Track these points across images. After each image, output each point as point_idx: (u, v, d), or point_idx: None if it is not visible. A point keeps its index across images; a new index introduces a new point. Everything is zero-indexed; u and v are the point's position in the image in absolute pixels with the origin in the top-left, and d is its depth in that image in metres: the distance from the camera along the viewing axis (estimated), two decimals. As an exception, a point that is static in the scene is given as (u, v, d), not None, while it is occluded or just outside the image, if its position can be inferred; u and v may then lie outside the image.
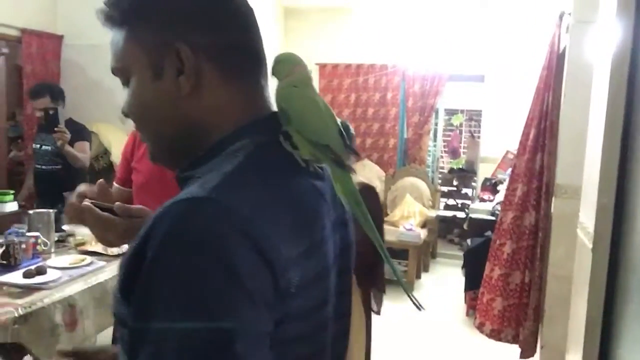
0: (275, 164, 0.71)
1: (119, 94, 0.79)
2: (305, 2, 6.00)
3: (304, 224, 0.69)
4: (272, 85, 0.80)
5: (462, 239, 6.22)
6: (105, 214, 1.02)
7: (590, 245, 1.87)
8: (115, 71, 0.77)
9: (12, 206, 3.67)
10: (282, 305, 0.62)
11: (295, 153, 0.73)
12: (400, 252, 5.17)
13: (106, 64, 0.79)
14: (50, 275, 2.21)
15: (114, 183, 2.04)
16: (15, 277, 2.18)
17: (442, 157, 7.75)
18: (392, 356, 3.60)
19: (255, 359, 0.58)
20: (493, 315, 3.27)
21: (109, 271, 2.42)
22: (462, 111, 8.10)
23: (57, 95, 3.55)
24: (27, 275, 2.16)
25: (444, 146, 7.89)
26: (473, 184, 6.83)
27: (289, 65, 0.77)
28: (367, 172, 5.71)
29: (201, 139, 0.73)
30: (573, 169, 2.72)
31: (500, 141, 5.72)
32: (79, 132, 3.58)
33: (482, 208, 5.30)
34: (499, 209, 3.52)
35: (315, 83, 5.87)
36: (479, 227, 4.97)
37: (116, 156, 4.34)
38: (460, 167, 7.46)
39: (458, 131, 8.29)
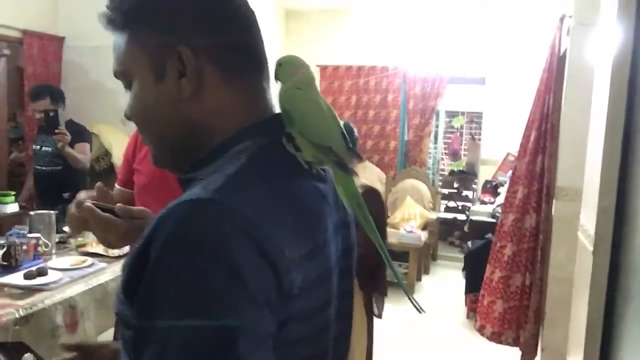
0: (278, 165, 0.72)
1: (120, 95, 0.80)
2: (306, 3, 6.01)
3: (307, 225, 0.69)
4: (273, 87, 0.80)
5: (463, 241, 6.22)
6: (107, 214, 1.02)
7: (591, 248, 1.87)
8: (117, 74, 0.77)
9: (13, 207, 3.67)
10: (285, 307, 0.62)
11: (298, 155, 0.73)
12: (400, 254, 5.17)
13: (107, 66, 0.79)
14: (51, 276, 2.21)
15: (116, 184, 2.04)
16: (16, 278, 2.18)
17: (442, 159, 7.75)
18: (393, 358, 3.59)
19: (258, 358, 0.58)
20: (494, 318, 3.26)
21: (110, 272, 2.42)
22: (462, 113, 8.10)
23: (57, 96, 3.56)
24: (28, 276, 2.17)
25: (445, 148, 7.89)
26: (474, 186, 6.83)
27: (291, 67, 0.77)
28: (368, 174, 5.70)
29: (203, 141, 0.74)
30: (574, 171, 2.72)
31: (500, 143, 5.72)
32: (79, 134, 3.58)
33: (482, 210, 5.31)
34: (500, 211, 3.52)
35: (316, 85, 5.86)
36: (480, 229, 4.98)
37: (117, 158, 4.35)
38: (461, 169, 7.46)
39: (459, 133, 8.30)
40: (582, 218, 2.22)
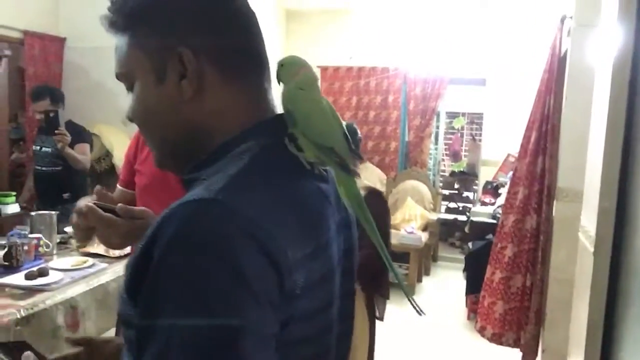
0: (280, 166, 0.72)
1: (121, 96, 0.80)
2: (306, 4, 6.02)
3: (310, 226, 0.70)
4: (274, 88, 0.80)
5: (464, 242, 6.22)
6: (108, 214, 1.02)
7: (592, 249, 1.87)
8: (119, 76, 0.77)
9: (14, 208, 3.68)
10: (288, 307, 0.62)
11: (300, 155, 0.74)
12: (401, 255, 5.16)
13: (108, 67, 0.80)
14: (52, 276, 2.22)
15: (117, 185, 2.05)
16: (18, 278, 2.18)
17: (443, 160, 7.75)
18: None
19: (261, 357, 0.59)
20: (494, 319, 3.26)
21: (111, 273, 2.43)
22: (463, 114, 8.11)
23: (57, 97, 3.57)
24: (29, 276, 2.17)
25: (445, 149, 7.90)
26: (474, 187, 6.83)
27: (294, 68, 0.77)
28: (369, 175, 5.71)
29: (205, 143, 0.74)
30: (574, 172, 2.72)
31: (501, 144, 5.73)
32: (79, 134, 3.59)
33: (483, 211, 5.31)
34: (500, 212, 3.52)
35: (319, 85, 5.87)
36: (480, 230, 4.98)
37: (118, 158, 4.35)
38: (462, 170, 7.46)
39: (459, 134, 8.30)
40: (583, 219, 2.22)
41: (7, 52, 4.38)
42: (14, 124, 5.44)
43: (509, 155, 5.63)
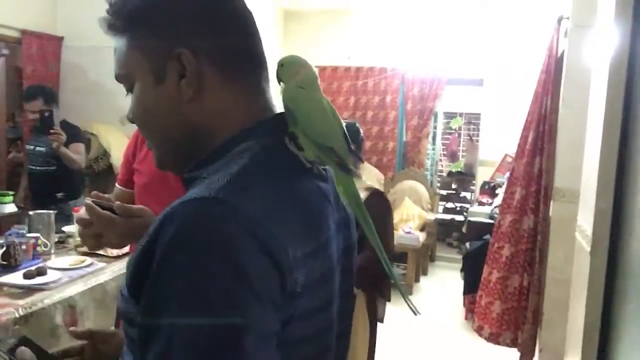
0: (280, 165, 0.72)
1: (119, 95, 0.80)
2: (304, 4, 6.02)
3: (310, 224, 0.70)
4: (273, 88, 0.81)
5: (461, 242, 6.23)
6: (106, 212, 1.03)
7: (589, 249, 1.88)
8: (118, 78, 0.78)
9: (11, 207, 3.67)
10: (289, 306, 0.63)
11: (300, 154, 0.74)
12: (399, 255, 5.17)
13: (106, 66, 0.80)
14: (51, 276, 2.22)
15: (116, 184, 2.05)
16: (16, 277, 2.18)
17: (441, 160, 7.76)
18: (392, 359, 3.60)
19: (263, 355, 0.59)
20: (492, 319, 3.27)
21: (109, 272, 2.42)
22: (461, 114, 8.12)
23: (51, 97, 3.56)
24: (27, 276, 2.17)
25: (443, 149, 7.91)
26: (472, 187, 6.85)
27: (294, 67, 0.77)
28: (366, 175, 5.71)
29: (205, 143, 0.74)
30: (571, 173, 2.73)
31: (499, 144, 5.74)
32: (74, 134, 3.59)
33: (480, 211, 5.32)
34: (498, 212, 3.53)
35: (319, 84, 5.89)
36: (478, 230, 4.98)
37: (116, 158, 4.35)
38: (459, 170, 7.48)
39: (457, 134, 8.32)
40: (580, 219, 2.22)
41: (5, 52, 4.38)
42: (12, 124, 5.43)
43: (506, 155, 5.64)
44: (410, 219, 5.48)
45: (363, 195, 2.14)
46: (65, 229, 2.88)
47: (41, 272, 2.21)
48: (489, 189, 5.83)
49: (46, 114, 3.36)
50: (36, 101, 3.48)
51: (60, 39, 4.72)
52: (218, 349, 0.56)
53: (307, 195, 0.73)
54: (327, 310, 0.73)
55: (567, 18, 2.99)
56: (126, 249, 2.45)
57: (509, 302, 3.22)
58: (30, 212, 2.72)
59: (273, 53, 5.13)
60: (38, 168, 3.63)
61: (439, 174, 7.49)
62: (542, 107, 3.12)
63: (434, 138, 6.92)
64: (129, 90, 0.77)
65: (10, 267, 2.28)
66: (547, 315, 3.01)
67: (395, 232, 5.09)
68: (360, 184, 2.21)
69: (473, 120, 8.04)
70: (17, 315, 1.89)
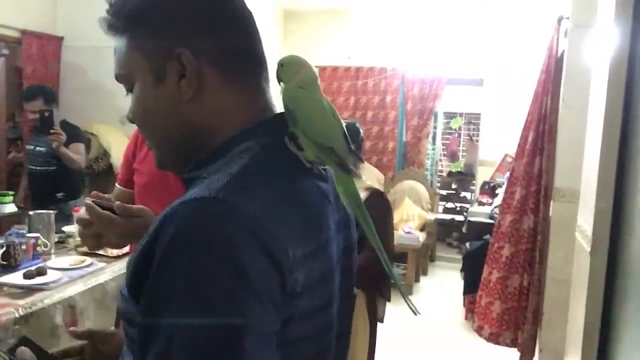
0: (280, 165, 0.72)
1: (119, 95, 0.81)
2: (304, 4, 6.02)
3: (310, 224, 0.70)
4: (273, 88, 0.81)
5: (461, 242, 6.23)
6: (106, 212, 1.03)
7: (589, 249, 1.88)
8: (118, 78, 0.78)
9: (11, 207, 3.67)
10: (289, 306, 0.63)
11: (300, 154, 0.74)
12: (399, 255, 5.17)
13: (106, 66, 0.81)
14: (51, 276, 2.22)
15: (116, 184, 2.05)
16: (16, 277, 2.18)
17: (441, 160, 7.76)
18: (391, 359, 3.60)
19: (264, 355, 0.59)
20: (492, 319, 3.27)
21: (109, 272, 2.43)
22: (461, 114, 8.12)
23: (50, 97, 3.57)
24: (27, 276, 2.17)
25: (443, 149, 7.91)
26: (472, 187, 6.85)
27: (294, 67, 0.78)
28: (366, 175, 5.72)
29: (206, 143, 0.74)
30: (571, 173, 2.73)
31: (499, 144, 5.74)
32: (74, 134, 3.59)
33: (480, 211, 5.32)
34: (498, 212, 3.53)
35: (319, 84, 5.90)
36: (478, 230, 4.98)
37: (116, 158, 4.35)
38: (459, 170, 7.48)
39: (457, 134, 8.32)
40: (580, 219, 2.22)
41: (5, 52, 4.38)
42: (12, 123, 5.43)
43: (506, 155, 5.64)
44: (410, 219, 5.48)
45: (363, 195, 2.14)
46: (65, 229, 2.88)
47: (41, 272, 2.21)
48: (489, 189, 5.83)
49: (46, 114, 3.37)
50: (36, 101, 3.49)
51: (60, 39, 4.73)
52: (218, 349, 0.56)
53: (307, 195, 0.73)
54: (327, 310, 0.73)
55: (567, 18, 2.99)
56: (126, 249, 2.45)
57: (509, 302, 3.22)
58: (30, 212, 2.72)
59: (273, 53, 5.13)
60: (38, 168, 3.64)
61: (439, 174, 7.49)
62: (542, 107, 3.12)
63: (434, 138, 6.92)
64: (129, 90, 0.77)
65: (10, 267, 2.28)
66: (547, 315, 3.02)
67: (395, 232, 5.11)
68: (360, 184, 2.21)
69: (473, 120, 8.04)
70: (17, 315, 1.89)
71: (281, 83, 0.78)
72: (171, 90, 0.72)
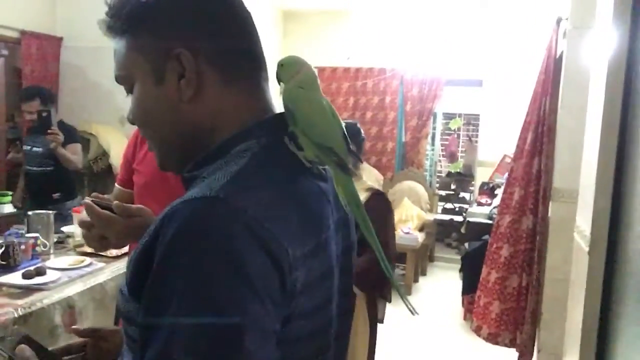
0: (280, 164, 0.73)
1: (118, 96, 0.81)
2: (304, 5, 6.02)
3: (310, 224, 0.70)
4: (273, 88, 0.81)
5: (460, 242, 6.23)
6: (105, 211, 1.03)
7: (587, 249, 1.88)
8: (119, 79, 0.78)
9: (10, 207, 3.68)
10: (289, 305, 0.63)
11: (299, 154, 0.75)
12: (398, 256, 5.17)
13: (105, 66, 0.81)
14: (50, 276, 2.22)
15: (116, 184, 2.05)
16: (15, 277, 2.18)
17: (440, 161, 7.77)
18: (390, 359, 3.60)
19: (264, 354, 0.59)
20: (490, 319, 3.27)
21: (108, 272, 2.43)
22: (460, 115, 8.11)
23: (47, 98, 3.57)
24: (26, 276, 2.17)
25: (442, 150, 7.91)
26: (471, 187, 6.85)
27: (293, 67, 0.78)
28: (366, 176, 5.72)
29: (206, 143, 0.74)
30: (570, 173, 2.73)
31: (497, 145, 5.74)
32: (71, 135, 3.59)
33: (479, 212, 5.33)
34: (497, 212, 3.53)
35: (319, 84, 5.90)
36: (477, 230, 4.99)
37: (115, 158, 4.35)
38: (458, 171, 7.47)
39: (456, 135, 8.31)
40: (578, 219, 2.23)
41: (4, 52, 4.38)
42: (11, 124, 5.43)
43: (505, 156, 5.65)
44: (409, 220, 5.49)
45: (364, 196, 2.14)
46: (65, 229, 2.88)
47: (40, 272, 2.21)
48: (488, 190, 5.84)
49: (44, 114, 3.38)
50: (33, 102, 3.49)
51: (60, 39, 4.73)
52: (219, 347, 0.57)
53: (307, 195, 0.73)
54: (327, 309, 0.74)
55: (566, 19, 2.99)
56: (125, 249, 2.45)
57: (507, 302, 3.22)
58: (30, 213, 2.72)
59: (272, 54, 5.13)
60: (35, 168, 3.64)
61: (438, 174, 7.50)
62: (541, 107, 3.12)
63: (433, 139, 6.92)
64: (129, 91, 0.77)
65: (9, 267, 2.28)
66: (546, 316, 3.02)
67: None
68: (361, 185, 2.21)
69: (472, 121, 8.04)
70: (16, 315, 1.89)
71: (281, 83, 0.78)
72: (171, 91, 0.73)
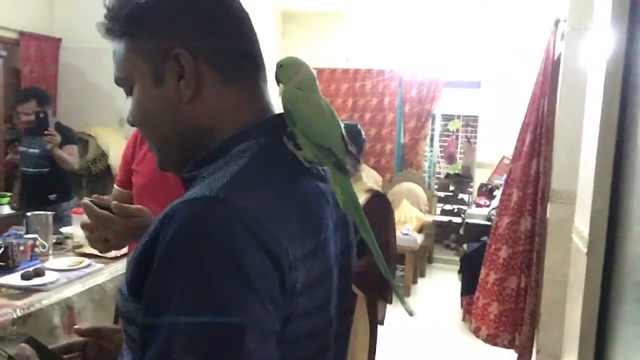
0: (280, 164, 0.73)
1: (117, 97, 0.81)
2: (303, 6, 6.03)
3: (310, 224, 0.71)
4: (271, 89, 0.81)
5: (459, 244, 6.24)
6: (104, 211, 1.03)
7: (585, 250, 1.89)
8: (118, 81, 0.78)
9: (8, 209, 3.68)
10: (289, 304, 0.64)
11: (298, 154, 0.75)
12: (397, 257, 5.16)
13: (104, 68, 0.81)
14: (49, 277, 2.22)
15: (115, 185, 2.05)
16: (14, 278, 2.18)
17: (438, 162, 7.77)
18: (389, 360, 3.60)
19: (264, 354, 0.60)
20: (489, 320, 3.28)
21: (107, 273, 2.43)
22: (458, 117, 8.13)
23: (43, 99, 3.57)
24: (25, 277, 2.17)
25: (441, 151, 7.92)
26: (469, 189, 6.86)
27: (292, 68, 0.78)
28: (365, 177, 5.72)
29: (206, 143, 0.75)
30: (568, 174, 2.74)
31: (496, 147, 5.75)
32: (67, 136, 3.60)
33: (478, 213, 5.33)
34: (495, 214, 3.54)
35: (317, 85, 5.90)
36: (475, 232, 4.99)
37: (114, 159, 4.35)
38: (457, 172, 7.48)
39: (455, 136, 8.33)
40: (577, 220, 2.23)
41: (3, 53, 4.37)
42: (9, 125, 5.42)
43: (503, 157, 5.65)
44: (408, 221, 5.49)
45: (364, 197, 2.14)
46: (64, 230, 2.88)
47: (39, 273, 2.21)
48: (487, 191, 5.84)
49: (41, 115, 3.38)
50: (29, 103, 3.50)
51: (58, 40, 4.73)
52: (219, 347, 0.57)
53: (307, 195, 0.74)
54: (326, 309, 0.74)
55: (564, 21, 3.00)
56: (124, 250, 2.45)
57: (506, 303, 3.23)
58: (28, 214, 2.72)
59: (271, 54, 5.14)
60: (31, 170, 3.64)
61: (437, 175, 7.50)
62: (539, 109, 3.13)
63: (431, 140, 6.93)
64: (129, 93, 0.78)
65: (8, 268, 2.28)
66: (545, 317, 3.02)
67: (393, 233, 5.12)
68: (361, 186, 2.21)
69: (471, 122, 8.05)
70: (15, 316, 1.89)
71: (280, 84, 0.79)
72: (170, 92, 0.73)
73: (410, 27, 5.90)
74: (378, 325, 2.38)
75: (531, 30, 5.13)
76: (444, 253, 6.57)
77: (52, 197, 3.57)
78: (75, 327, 0.96)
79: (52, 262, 2.47)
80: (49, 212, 2.73)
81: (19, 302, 1.99)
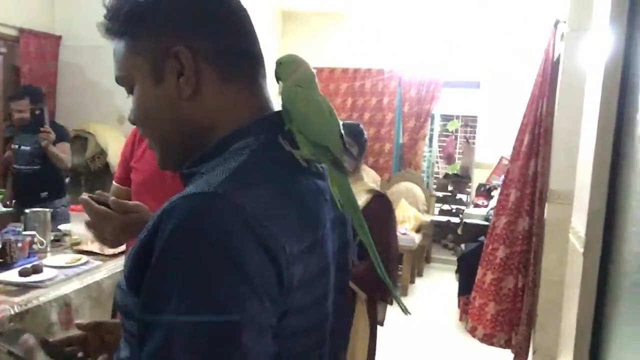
0: (279, 162, 0.73)
1: (117, 95, 0.81)
2: (302, 6, 6.03)
3: (307, 221, 0.71)
4: (271, 88, 0.82)
5: (457, 244, 6.25)
6: (101, 207, 1.04)
7: (582, 250, 1.89)
8: (119, 80, 0.79)
9: (0, 206, 3.68)
10: (285, 300, 0.64)
11: (295, 153, 0.75)
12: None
13: (104, 65, 0.81)
14: (46, 273, 2.22)
15: (113, 182, 2.05)
16: (11, 275, 2.18)
17: (437, 162, 7.78)
18: None
19: (260, 349, 0.60)
20: (486, 320, 3.28)
21: (105, 271, 2.43)
22: (457, 117, 8.13)
23: (36, 97, 3.57)
24: (23, 273, 2.17)
25: (440, 151, 7.92)
26: (468, 189, 6.86)
27: (292, 65, 0.78)
28: (365, 177, 5.72)
29: (205, 140, 0.75)
30: (566, 175, 2.74)
31: (495, 147, 5.76)
32: (60, 134, 3.60)
33: (476, 213, 5.34)
34: (493, 214, 3.54)
35: (317, 82, 5.90)
36: (473, 232, 5.00)
37: (113, 157, 4.36)
38: (455, 172, 7.48)
39: (453, 137, 8.33)
40: (574, 220, 2.24)
41: (2, 50, 4.37)
42: (9, 122, 5.42)
43: (502, 157, 5.66)
44: (406, 221, 5.49)
45: (365, 197, 2.14)
46: (62, 227, 2.88)
47: (37, 269, 2.21)
48: (485, 191, 5.85)
49: (37, 112, 3.38)
50: (23, 100, 3.50)
51: (58, 37, 4.73)
52: (216, 343, 0.57)
53: (305, 192, 0.74)
54: (322, 305, 0.75)
55: (564, 22, 3.01)
56: (122, 247, 2.45)
57: (503, 303, 3.23)
58: (27, 210, 2.72)
59: (270, 53, 5.14)
60: (23, 167, 3.64)
61: (435, 175, 7.51)
62: (538, 110, 3.14)
63: (430, 140, 6.93)
64: (130, 92, 0.78)
65: (6, 265, 2.29)
66: (541, 317, 3.03)
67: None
68: (362, 187, 2.21)
69: (470, 122, 8.05)
70: (12, 313, 1.89)
71: (279, 82, 0.79)
72: (170, 89, 0.73)
73: (409, 27, 5.90)
74: (378, 326, 2.38)
75: (531, 30, 5.13)
76: (441, 253, 6.58)
77: (44, 194, 3.57)
78: (77, 322, 0.96)
79: (50, 259, 2.48)
80: (47, 209, 2.73)
81: (16, 299, 1.99)
